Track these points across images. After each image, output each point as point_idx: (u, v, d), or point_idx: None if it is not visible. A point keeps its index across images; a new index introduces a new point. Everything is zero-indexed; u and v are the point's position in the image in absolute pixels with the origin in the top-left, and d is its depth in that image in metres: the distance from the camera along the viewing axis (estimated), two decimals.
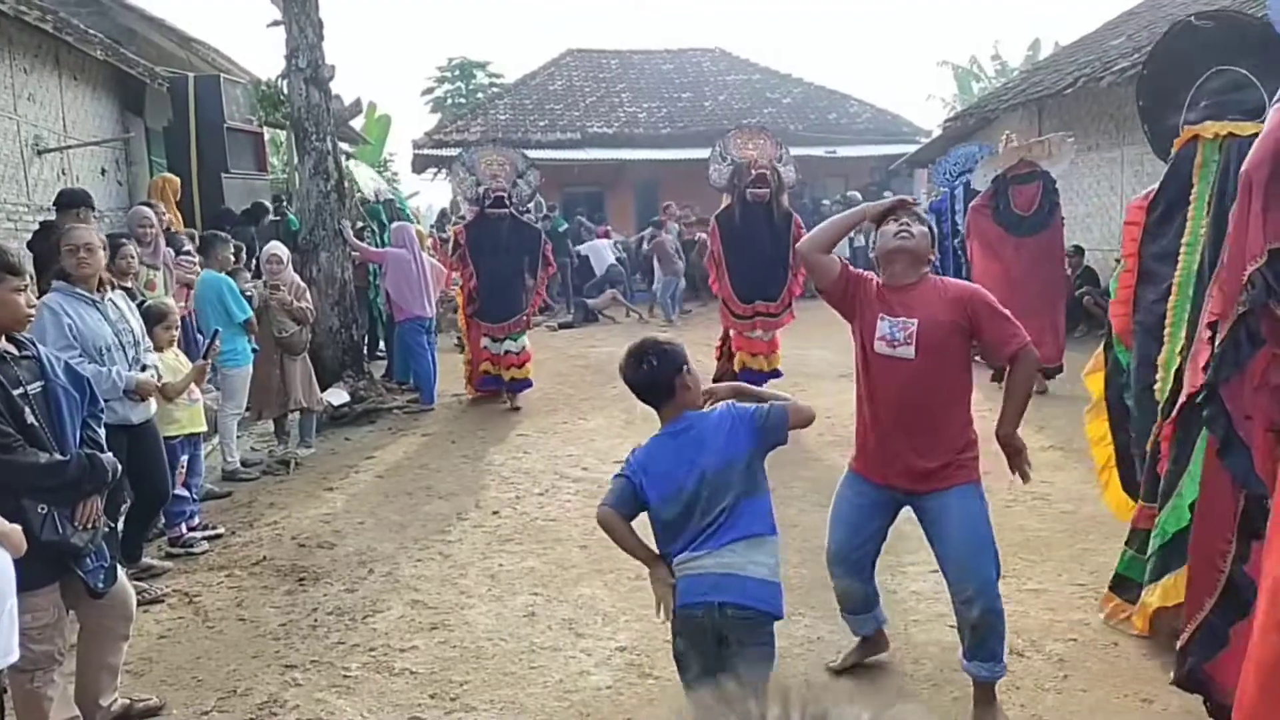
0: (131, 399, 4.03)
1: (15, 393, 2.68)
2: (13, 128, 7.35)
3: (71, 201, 5.81)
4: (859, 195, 16.33)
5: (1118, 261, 11.73)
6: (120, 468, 2.97)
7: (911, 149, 17.05)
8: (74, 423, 2.85)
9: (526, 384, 8.11)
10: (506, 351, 7.96)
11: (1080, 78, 10.94)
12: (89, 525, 2.81)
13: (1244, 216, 2.28)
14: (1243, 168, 2.29)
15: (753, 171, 7.11)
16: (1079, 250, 11.40)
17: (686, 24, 78.06)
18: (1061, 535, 4.65)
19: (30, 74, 7.72)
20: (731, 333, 7.37)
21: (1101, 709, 3.09)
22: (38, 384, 2.77)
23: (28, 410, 2.69)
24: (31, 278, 2.92)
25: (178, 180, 8.61)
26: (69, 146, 8.23)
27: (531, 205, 8.79)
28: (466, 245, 7.98)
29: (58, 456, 2.74)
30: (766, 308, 7.23)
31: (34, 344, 2.88)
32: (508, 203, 7.97)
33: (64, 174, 8.13)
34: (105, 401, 3.53)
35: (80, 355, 3.73)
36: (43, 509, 2.68)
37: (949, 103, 24.69)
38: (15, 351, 2.78)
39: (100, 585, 2.86)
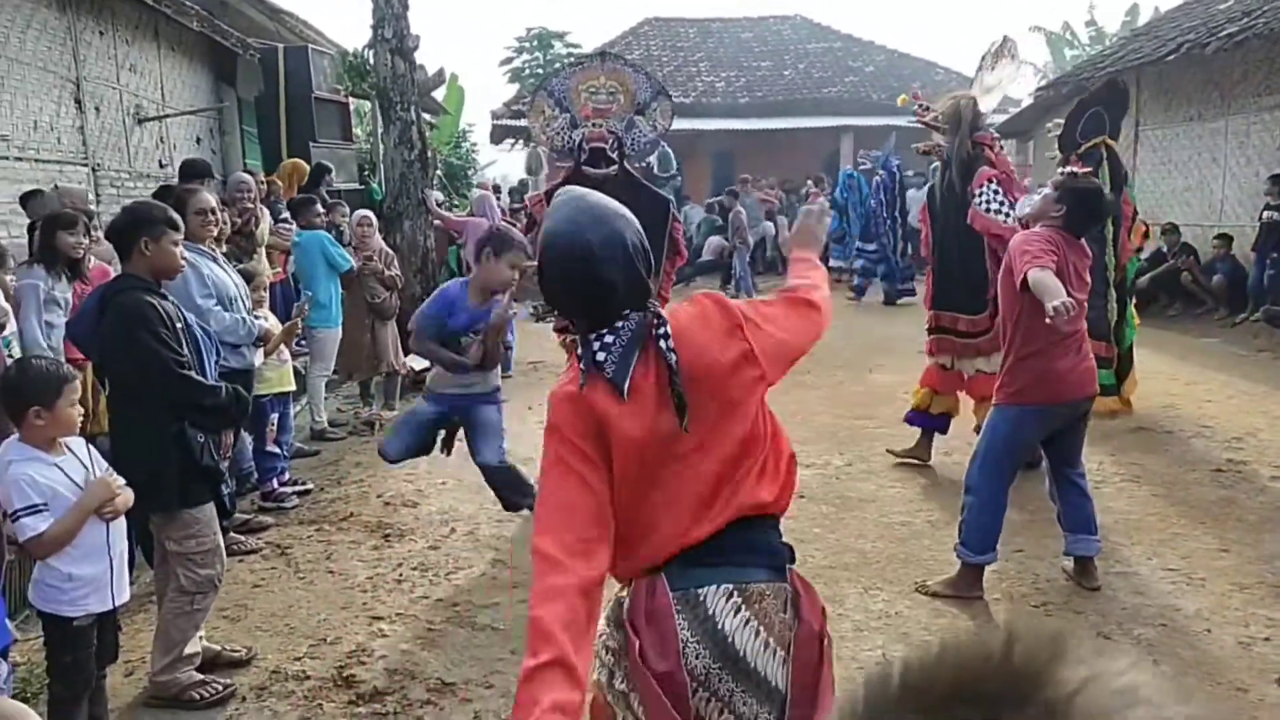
0: (257, 346, 4.38)
1: (177, 325, 3.03)
2: (116, 97, 7.65)
3: (197, 171, 6.16)
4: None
5: (1218, 237, 11.17)
6: (251, 405, 3.36)
7: (1001, 119, 16.48)
8: (210, 362, 3.18)
9: None
10: None
11: (1184, 44, 10.40)
12: (226, 455, 3.19)
13: None
14: None
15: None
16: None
17: None
18: (1152, 518, 4.50)
19: (132, 45, 8.01)
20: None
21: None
22: (182, 324, 3.10)
23: (185, 342, 3.04)
24: (183, 233, 3.25)
25: (306, 168, 8.81)
26: (167, 115, 8.54)
27: (654, 159, 5.93)
28: None
29: (213, 381, 3.11)
30: (955, 322, 5.27)
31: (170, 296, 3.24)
32: (615, 154, 5.12)
33: (162, 142, 8.45)
34: (236, 348, 4.08)
35: (217, 303, 4.09)
36: (200, 438, 3.04)
37: (1041, 70, 23.75)
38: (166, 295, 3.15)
39: (230, 508, 3.30)
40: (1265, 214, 9.36)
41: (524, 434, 6.37)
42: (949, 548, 3.83)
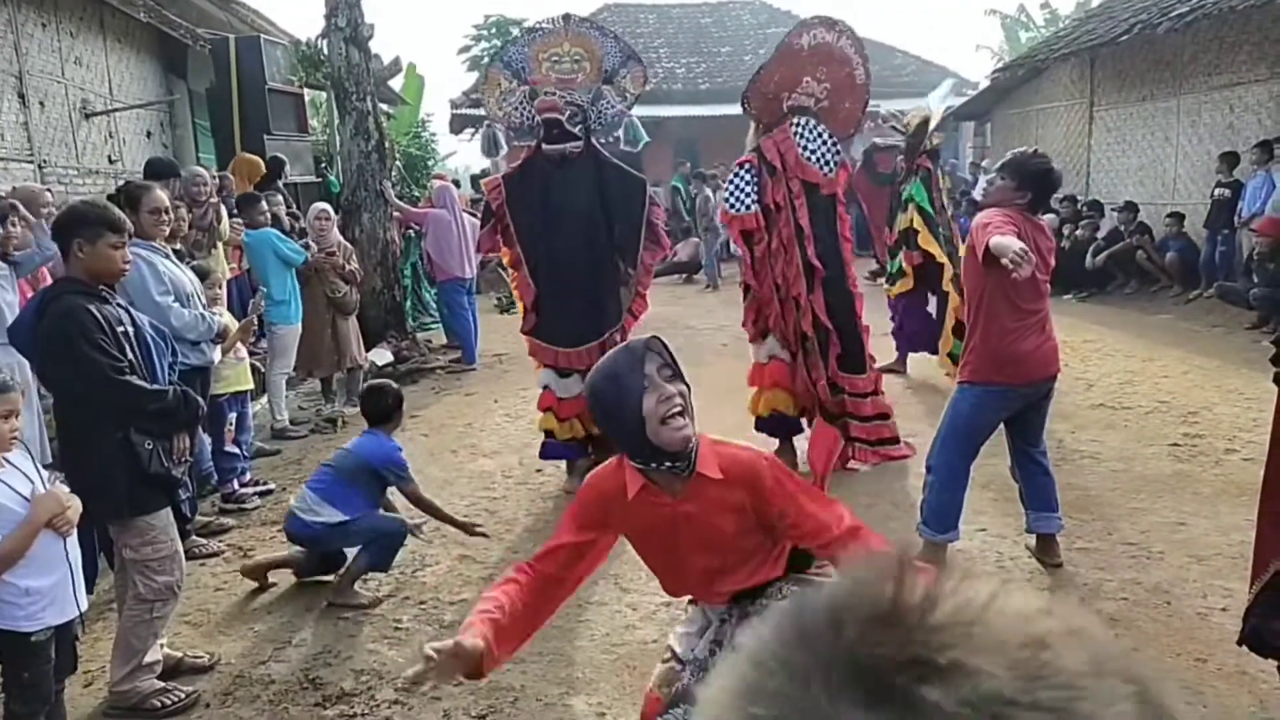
0: (216, 342, 4.33)
1: (118, 329, 2.94)
2: (61, 91, 7.44)
3: (163, 171, 6.00)
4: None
5: (1170, 216, 11.41)
6: (205, 407, 3.19)
7: (958, 102, 16.63)
8: (161, 365, 3.10)
9: None
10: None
11: (1136, 25, 10.55)
12: (181, 459, 3.08)
13: None
14: None
15: None
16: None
17: None
18: (1112, 494, 4.58)
19: (76, 37, 7.80)
20: None
21: (1155, 668, 3.06)
22: (130, 328, 3.03)
23: (127, 347, 2.96)
24: (130, 235, 3.11)
25: (260, 163, 8.56)
26: (115, 110, 8.33)
27: (622, 132, 5.01)
28: (508, 211, 4.78)
29: (159, 386, 3.02)
30: None
31: (117, 298, 3.15)
32: (577, 129, 4.68)
33: (111, 137, 8.24)
34: (196, 344, 4.04)
35: (175, 300, 4.04)
36: (149, 445, 2.95)
37: (997, 53, 23.98)
38: (110, 298, 3.06)
39: (190, 514, 3.24)
40: (1216, 191, 9.54)
41: (489, 428, 6.34)
42: (914, 528, 3.86)
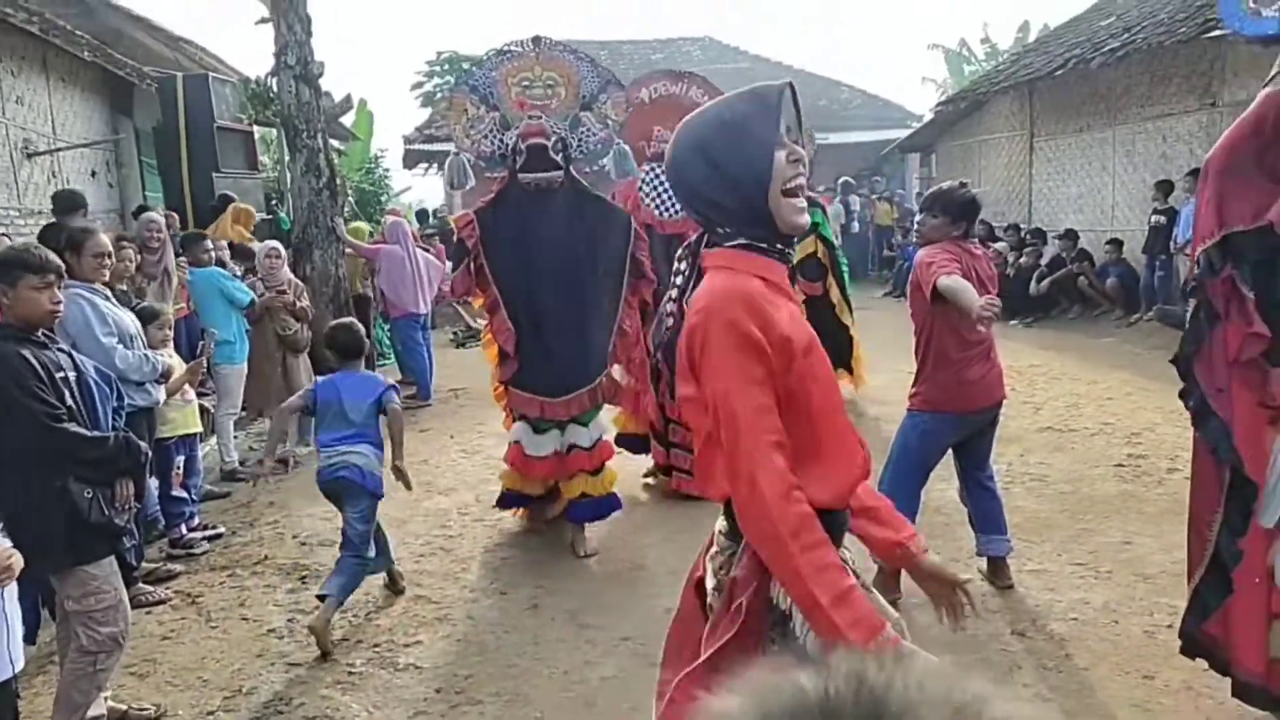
0: (160, 382, 4.25)
1: (57, 375, 2.87)
2: (1, 131, 7.31)
3: (71, 205, 5.85)
4: (851, 182, 16.32)
5: (1109, 242, 11.80)
6: (149, 452, 3.13)
7: (903, 134, 17.05)
8: (105, 410, 3.03)
9: (608, 505, 4.53)
10: (570, 447, 4.47)
11: (1070, 59, 10.93)
12: (125, 507, 3.02)
13: (1200, 201, 2.49)
14: (1207, 155, 2.49)
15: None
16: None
17: (675, 11, 77.91)
18: (1060, 515, 4.67)
19: (18, 76, 7.68)
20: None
21: (1104, 686, 3.11)
22: (73, 373, 2.96)
23: (67, 393, 2.89)
24: (59, 275, 2.98)
25: (254, 213, 8.44)
26: (59, 149, 8.20)
27: (609, 160, 4.64)
28: (483, 248, 4.42)
29: (99, 433, 2.95)
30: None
31: (59, 343, 3.09)
32: (558, 157, 4.35)
33: (54, 176, 8.11)
34: (141, 385, 3.99)
35: (118, 341, 3.97)
36: (89, 493, 2.88)
37: (941, 86, 24.60)
38: (50, 343, 3.00)
39: (135, 561, 3.20)
40: (1153, 218, 9.87)
41: (444, 465, 6.28)
42: (867, 553, 3.89)
